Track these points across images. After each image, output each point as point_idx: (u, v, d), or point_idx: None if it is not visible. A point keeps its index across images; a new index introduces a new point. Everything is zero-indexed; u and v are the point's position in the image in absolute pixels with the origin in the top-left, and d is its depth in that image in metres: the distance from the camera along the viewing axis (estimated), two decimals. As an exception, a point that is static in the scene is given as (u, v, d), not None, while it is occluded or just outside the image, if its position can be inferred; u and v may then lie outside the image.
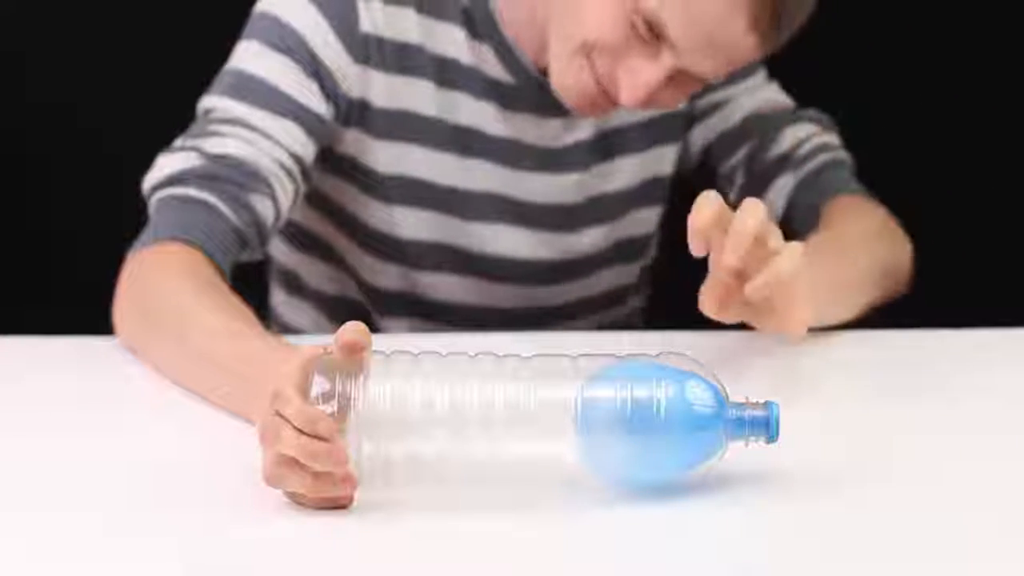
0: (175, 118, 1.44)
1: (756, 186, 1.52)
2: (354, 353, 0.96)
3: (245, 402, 1.11)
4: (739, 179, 1.55)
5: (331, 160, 1.47)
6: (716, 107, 1.55)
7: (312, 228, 1.55)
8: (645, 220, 1.58)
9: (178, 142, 1.39)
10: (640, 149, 1.54)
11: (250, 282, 1.32)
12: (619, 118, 1.51)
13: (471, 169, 1.48)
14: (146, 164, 1.39)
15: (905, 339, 1.38)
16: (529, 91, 1.46)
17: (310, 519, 0.96)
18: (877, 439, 1.12)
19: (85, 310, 1.39)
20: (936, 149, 1.92)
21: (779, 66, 1.58)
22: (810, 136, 1.52)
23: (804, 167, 1.51)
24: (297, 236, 1.57)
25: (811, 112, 1.55)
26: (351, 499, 0.97)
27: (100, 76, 1.88)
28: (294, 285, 1.60)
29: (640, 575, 0.90)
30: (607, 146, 1.52)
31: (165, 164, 1.37)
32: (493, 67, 1.46)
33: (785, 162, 1.52)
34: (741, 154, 1.54)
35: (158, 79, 1.69)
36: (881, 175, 1.53)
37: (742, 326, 1.36)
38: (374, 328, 0.96)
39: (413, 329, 1.55)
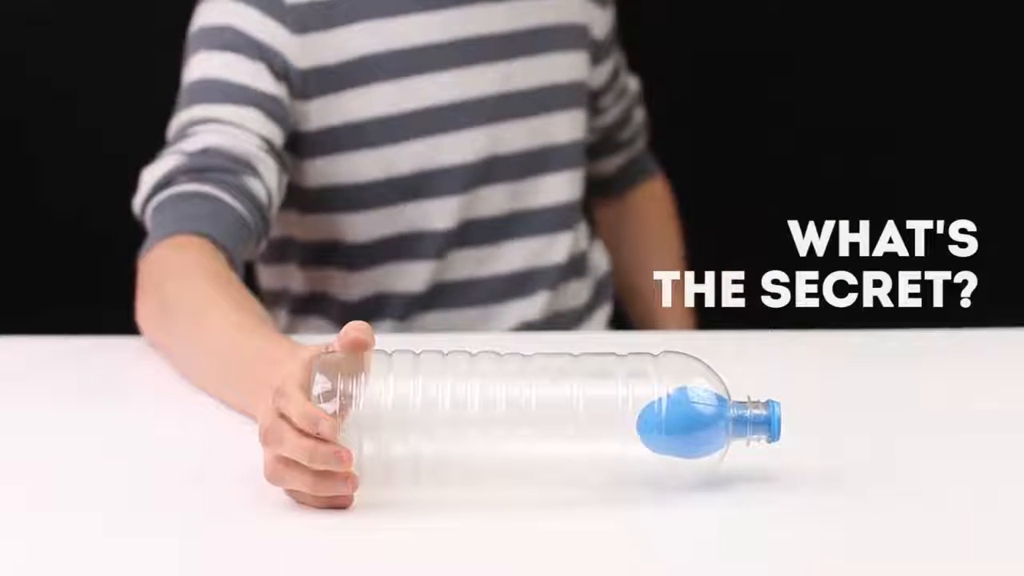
0: (175, 118, 1.44)
1: (605, 146, 1.73)
2: (357, 351, 0.96)
3: (249, 399, 1.11)
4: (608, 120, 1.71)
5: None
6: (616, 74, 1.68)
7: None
8: (566, 125, 1.57)
9: (158, 155, 1.40)
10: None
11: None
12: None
13: (442, 84, 1.49)
14: (146, 164, 1.39)
15: (906, 338, 1.38)
16: None
17: (310, 518, 0.96)
18: (878, 439, 1.12)
19: (85, 310, 1.39)
20: (943, 146, 1.92)
21: (780, 65, 1.58)
22: (640, 120, 1.76)
23: (635, 145, 1.76)
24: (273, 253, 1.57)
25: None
26: (351, 499, 0.97)
27: (100, 74, 1.88)
28: (312, 306, 1.59)
29: (640, 575, 0.90)
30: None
31: (149, 175, 1.38)
32: None
33: (634, 138, 1.75)
34: (616, 110, 1.71)
35: (158, 79, 1.68)
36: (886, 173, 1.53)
37: (742, 326, 1.36)
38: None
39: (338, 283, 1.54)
